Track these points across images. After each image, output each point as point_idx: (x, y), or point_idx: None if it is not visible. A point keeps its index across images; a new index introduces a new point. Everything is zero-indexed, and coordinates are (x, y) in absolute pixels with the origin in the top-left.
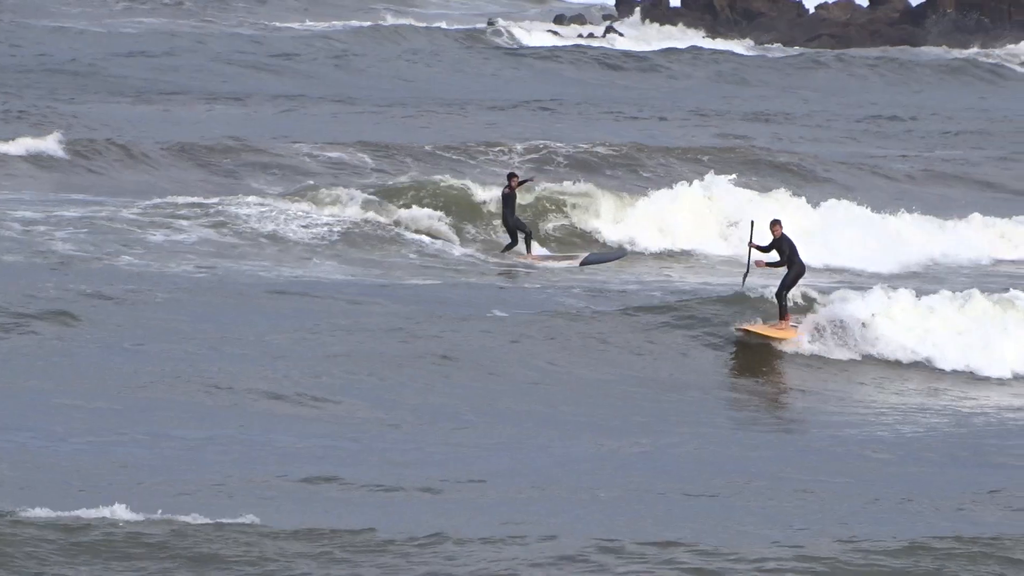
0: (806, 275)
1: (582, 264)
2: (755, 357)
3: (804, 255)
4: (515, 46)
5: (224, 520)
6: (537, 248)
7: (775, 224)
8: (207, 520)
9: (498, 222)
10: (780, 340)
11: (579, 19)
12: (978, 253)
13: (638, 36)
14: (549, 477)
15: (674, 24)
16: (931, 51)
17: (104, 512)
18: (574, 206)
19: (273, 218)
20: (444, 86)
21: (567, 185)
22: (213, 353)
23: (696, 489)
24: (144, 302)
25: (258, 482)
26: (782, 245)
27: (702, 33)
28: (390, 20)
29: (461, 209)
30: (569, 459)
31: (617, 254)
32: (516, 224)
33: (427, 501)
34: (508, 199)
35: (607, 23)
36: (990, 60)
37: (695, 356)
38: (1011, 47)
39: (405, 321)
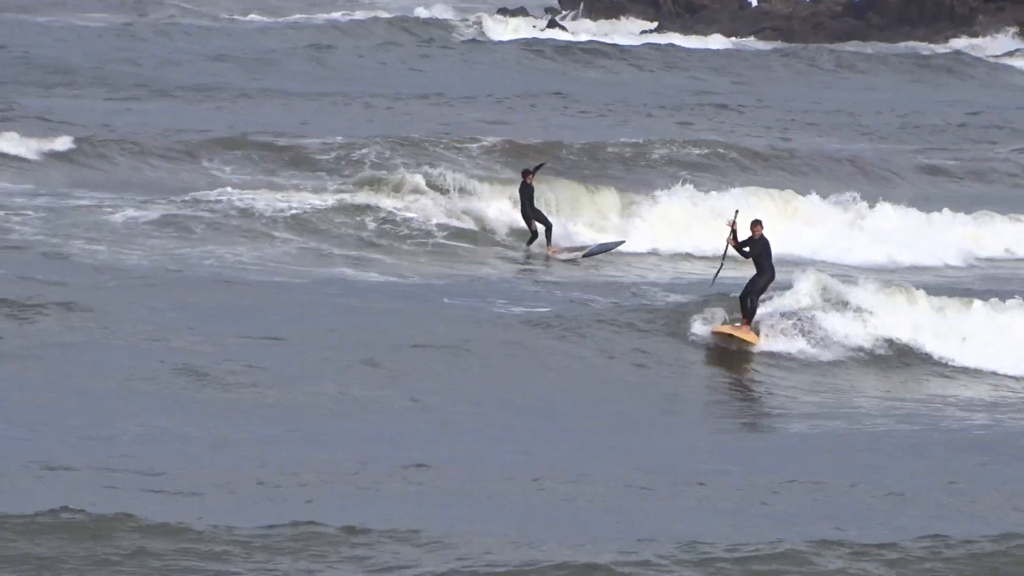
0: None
1: (585, 255)
2: (721, 355)
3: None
4: (484, 39)
5: (180, 516)
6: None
7: (756, 224)
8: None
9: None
10: (749, 343)
11: (521, 12)
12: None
13: (611, 30)
14: (502, 469)
15: (618, 18)
16: (912, 45)
17: (52, 506)
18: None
19: (259, 207)
20: (420, 78)
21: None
22: (164, 343)
23: (656, 484)
24: (102, 289)
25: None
26: (757, 247)
27: (654, 26)
28: (358, 14)
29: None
30: (524, 452)
31: (615, 243)
32: (537, 216)
33: (368, 492)
34: (526, 193)
35: (550, 16)
36: (943, 52)
37: (661, 353)
38: (954, 41)
39: (365, 309)
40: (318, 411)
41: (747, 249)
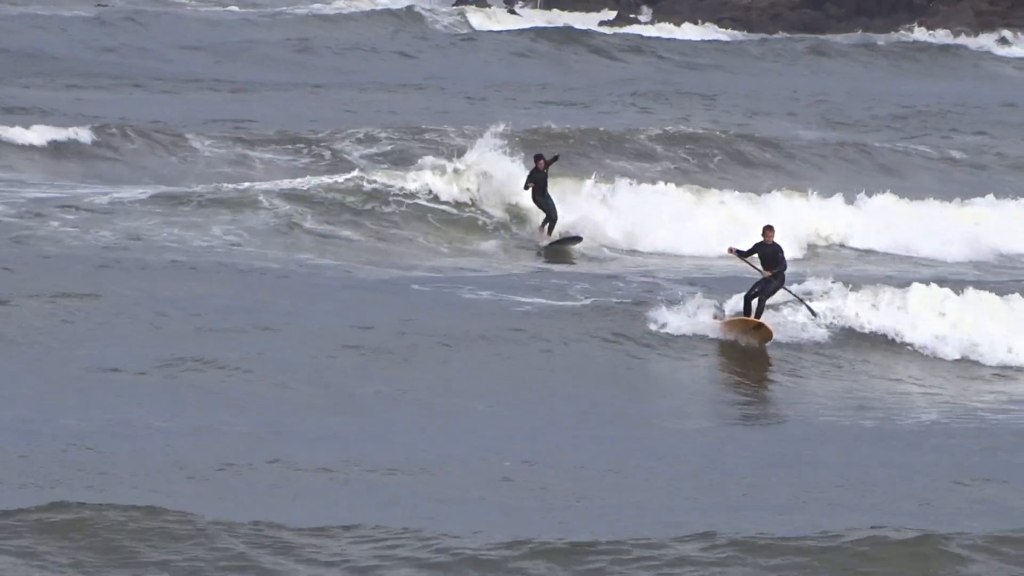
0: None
1: (547, 245)
2: (714, 348)
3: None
4: (469, 29)
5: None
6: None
7: (768, 229)
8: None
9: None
10: (764, 339)
11: (481, 2)
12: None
13: (570, 20)
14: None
15: (579, 11)
16: (871, 35)
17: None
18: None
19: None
20: (405, 68)
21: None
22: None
23: (624, 473)
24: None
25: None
26: (779, 253)
27: (613, 15)
28: (339, 5)
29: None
30: (503, 448)
31: (573, 238)
32: (546, 205)
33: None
34: (535, 179)
35: (508, 6)
36: (911, 41)
37: (637, 345)
38: (914, 31)
39: (327, 296)
40: (297, 403)
41: (755, 256)
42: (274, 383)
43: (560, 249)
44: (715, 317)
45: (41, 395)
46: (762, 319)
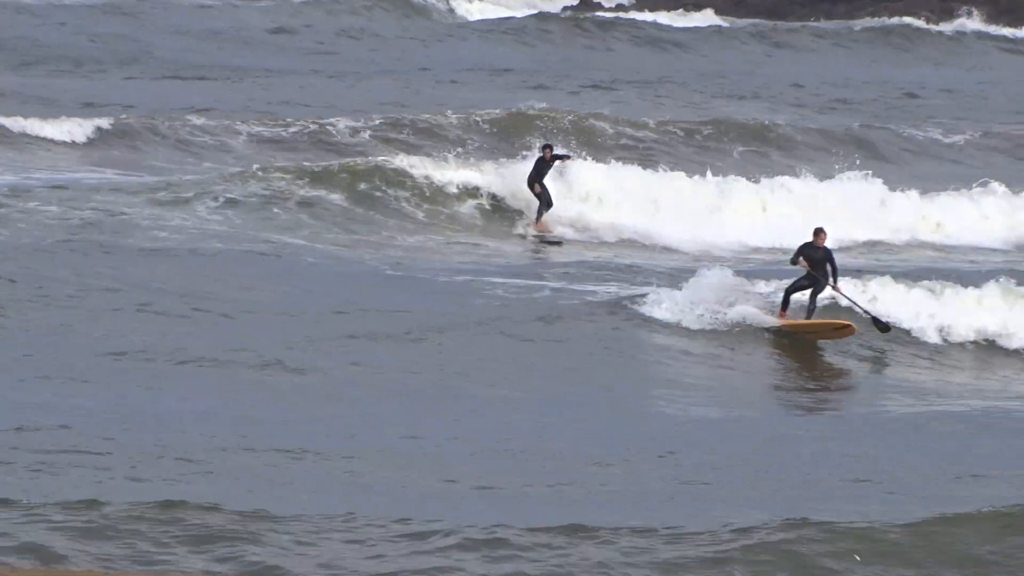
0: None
1: (532, 236)
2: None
3: None
4: (459, 20)
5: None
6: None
7: (819, 232)
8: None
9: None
10: (847, 335)
11: None
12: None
13: (532, 5)
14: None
15: None
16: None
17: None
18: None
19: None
20: (394, 57)
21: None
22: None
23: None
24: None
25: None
26: (829, 260)
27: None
28: None
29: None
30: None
31: (556, 242)
32: (542, 192)
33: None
34: (541, 167)
35: None
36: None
37: (614, 336)
38: (878, 18)
39: (302, 282)
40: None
41: (800, 258)
42: (260, 367)
43: (548, 240)
44: (778, 314)
45: (30, 383)
46: (787, 314)
